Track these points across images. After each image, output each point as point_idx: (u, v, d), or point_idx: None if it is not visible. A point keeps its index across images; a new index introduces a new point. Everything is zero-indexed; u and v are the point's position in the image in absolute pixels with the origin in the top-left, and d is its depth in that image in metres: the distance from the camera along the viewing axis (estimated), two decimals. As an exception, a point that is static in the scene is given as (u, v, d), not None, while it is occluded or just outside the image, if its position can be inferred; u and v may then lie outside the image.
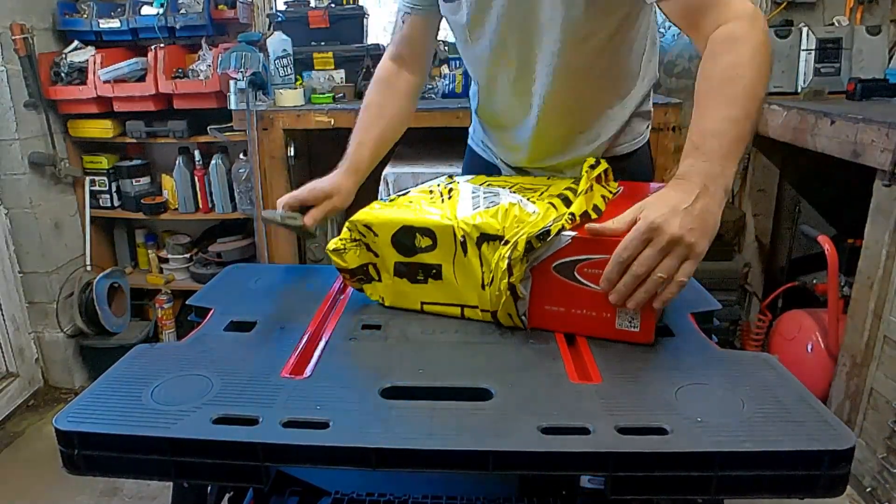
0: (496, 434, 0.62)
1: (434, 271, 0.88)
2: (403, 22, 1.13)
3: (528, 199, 0.88)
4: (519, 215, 0.83)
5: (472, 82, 1.21)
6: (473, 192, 0.94)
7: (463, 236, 0.83)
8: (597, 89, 1.06)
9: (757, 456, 0.58)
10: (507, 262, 0.78)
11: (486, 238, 0.82)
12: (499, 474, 0.60)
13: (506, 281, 0.79)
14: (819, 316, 2.10)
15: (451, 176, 1.08)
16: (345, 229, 0.90)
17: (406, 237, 0.87)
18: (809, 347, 2.07)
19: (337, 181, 1.10)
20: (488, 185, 0.99)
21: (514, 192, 0.93)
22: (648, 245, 0.72)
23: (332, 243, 0.91)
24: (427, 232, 0.86)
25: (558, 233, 0.77)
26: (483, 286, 0.84)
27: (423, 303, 0.90)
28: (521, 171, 1.20)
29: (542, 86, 1.03)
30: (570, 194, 0.89)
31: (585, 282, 0.77)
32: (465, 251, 0.84)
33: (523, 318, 0.83)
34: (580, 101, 1.06)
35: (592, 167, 0.94)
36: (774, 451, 0.58)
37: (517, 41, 1.00)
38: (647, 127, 1.17)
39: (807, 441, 0.59)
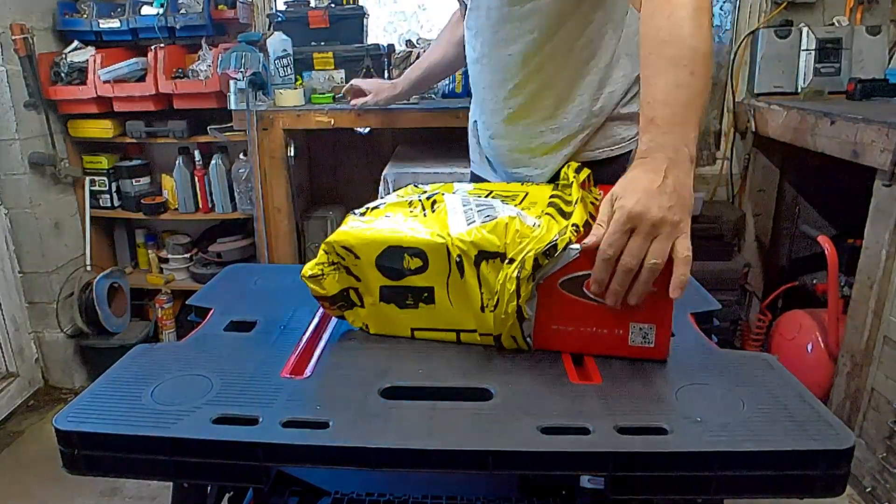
0: (496, 434, 0.62)
1: (426, 295, 0.80)
2: None
3: (525, 211, 0.81)
4: (521, 230, 0.76)
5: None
6: (465, 205, 0.85)
7: (459, 255, 0.76)
8: (555, 67, 1.01)
9: (757, 456, 0.58)
10: (515, 282, 0.72)
11: (486, 256, 0.75)
12: (499, 474, 0.60)
13: (514, 303, 0.74)
14: (819, 316, 2.10)
15: (416, 185, 1.01)
16: (321, 252, 0.82)
17: (393, 259, 0.78)
18: (809, 347, 2.07)
19: (381, 84, 1.35)
20: (474, 194, 0.91)
21: (507, 203, 0.85)
22: (632, 235, 0.69)
23: (308, 268, 0.82)
24: (417, 252, 0.78)
25: (566, 247, 0.71)
26: (483, 308, 0.78)
27: (413, 329, 0.83)
28: (493, 167, 1.19)
29: (498, 55, 1.03)
30: (560, 203, 0.84)
31: (595, 297, 0.73)
32: (461, 272, 0.77)
33: (528, 339, 0.78)
34: (538, 79, 1.01)
35: (577, 171, 0.90)
36: (774, 451, 0.58)
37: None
38: (636, 134, 1.04)
39: (806, 441, 0.59)
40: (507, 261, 0.74)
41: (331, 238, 0.81)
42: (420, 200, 0.89)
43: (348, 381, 0.73)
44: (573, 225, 0.74)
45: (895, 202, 1.63)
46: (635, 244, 0.68)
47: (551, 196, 0.87)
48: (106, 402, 0.68)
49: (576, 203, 0.80)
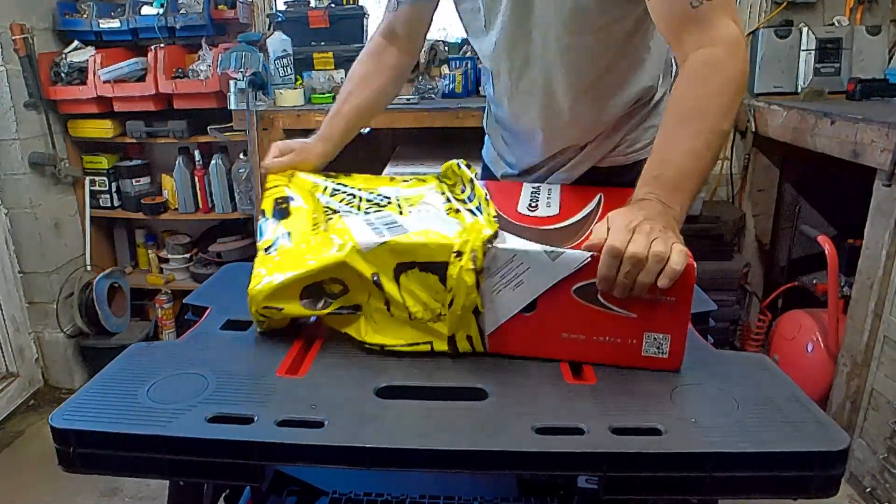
0: (490, 434, 0.62)
1: (359, 313, 0.79)
2: (399, 3, 1.13)
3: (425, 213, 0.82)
4: (437, 238, 0.75)
5: (489, 89, 1.17)
6: (367, 219, 0.83)
7: (375, 274, 0.75)
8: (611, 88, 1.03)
9: (751, 456, 0.58)
10: (473, 275, 0.71)
11: (405, 267, 0.75)
12: (494, 474, 0.60)
13: (474, 295, 0.72)
14: (819, 316, 2.10)
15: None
16: (254, 316, 0.81)
17: (315, 292, 0.78)
18: (809, 347, 2.07)
19: (307, 145, 1.07)
20: (371, 204, 0.90)
21: (403, 210, 0.86)
22: (634, 234, 0.69)
23: (259, 330, 0.83)
24: (333, 278, 0.77)
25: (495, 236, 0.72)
26: (410, 317, 0.77)
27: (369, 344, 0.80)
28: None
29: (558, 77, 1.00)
30: (458, 200, 0.87)
31: (611, 306, 0.71)
32: (381, 288, 0.76)
33: (485, 340, 0.75)
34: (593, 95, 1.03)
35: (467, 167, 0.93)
36: (768, 452, 0.58)
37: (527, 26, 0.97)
38: (642, 145, 1.11)
39: (800, 442, 0.59)
40: (455, 254, 0.73)
41: (253, 301, 0.79)
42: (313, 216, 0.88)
43: (344, 380, 0.73)
44: (496, 215, 0.77)
45: (895, 202, 1.62)
46: (640, 238, 0.69)
47: (445, 195, 0.91)
48: (102, 400, 0.68)
49: (474, 195, 0.82)
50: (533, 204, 0.91)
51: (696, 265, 0.67)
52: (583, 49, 0.96)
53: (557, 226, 0.82)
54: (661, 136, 0.80)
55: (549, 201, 0.92)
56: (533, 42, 0.98)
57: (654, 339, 0.71)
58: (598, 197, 0.93)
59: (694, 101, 0.79)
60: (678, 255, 0.67)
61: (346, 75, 2.32)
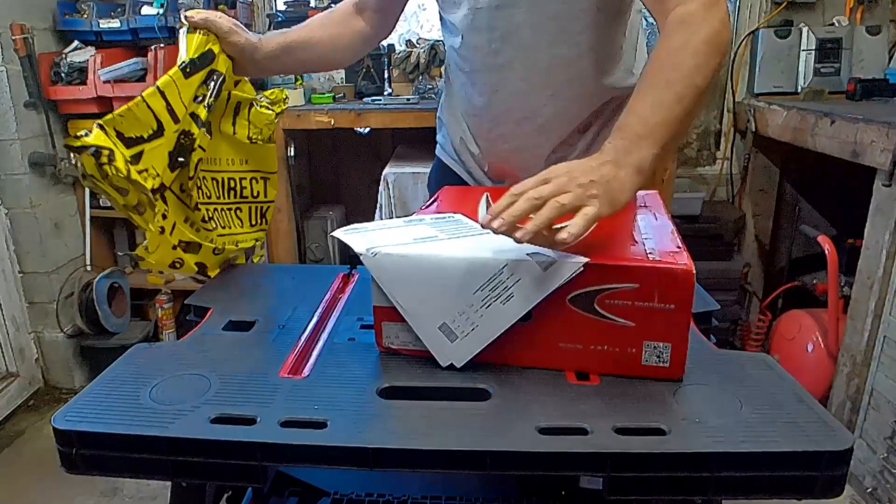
0: (494, 434, 0.62)
1: None
2: None
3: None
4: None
5: (454, 71, 1.14)
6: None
7: None
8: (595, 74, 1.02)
9: (754, 456, 0.58)
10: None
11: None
12: (497, 474, 0.60)
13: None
14: (819, 316, 2.10)
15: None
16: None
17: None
18: (810, 347, 2.07)
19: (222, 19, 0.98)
20: None
21: None
22: (555, 180, 0.67)
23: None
24: None
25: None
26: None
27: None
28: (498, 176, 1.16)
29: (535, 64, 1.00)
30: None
31: (608, 314, 0.69)
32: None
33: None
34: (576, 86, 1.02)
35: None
36: (772, 452, 0.58)
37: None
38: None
39: (804, 442, 0.59)
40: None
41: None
42: None
43: (346, 380, 0.73)
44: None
45: (895, 202, 1.62)
46: (546, 186, 0.66)
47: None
48: (104, 401, 0.68)
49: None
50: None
51: (694, 271, 0.66)
52: (567, 21, 0.95)
53: (556, 226, 0.82)
54: (634, 92, 0.78)
55: None
56: (517, 7, 0.96)
57: (654, 347, 0.70)
58: None
59: (665, 55, 0.78)
60: (579, 219, 0.64)
61: (345, 75, 2.35)
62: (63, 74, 2.33)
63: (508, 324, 0.71)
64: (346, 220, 2.70)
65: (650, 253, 0.70)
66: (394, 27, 1.18)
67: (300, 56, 1.06)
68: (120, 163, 0.83)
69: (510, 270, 0.69)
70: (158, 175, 0.90)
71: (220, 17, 0.95)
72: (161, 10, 2.32)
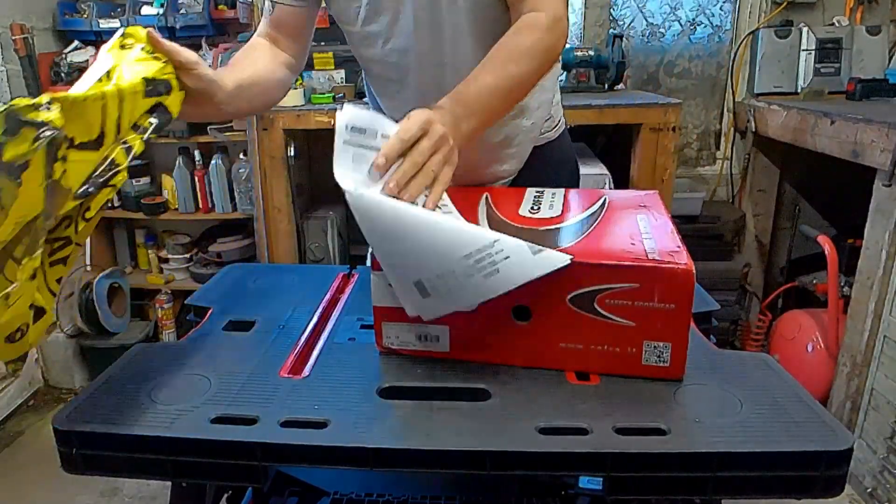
0: (494, 434, 0.62)
1: None
2: (273, 7, 1.07)
3: None
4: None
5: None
6: None
7: None
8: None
9: (755, 456, 0.58)
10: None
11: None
12: (497, 474, 0.60)
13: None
14: (819, 316, 2.10)
15: None
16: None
17: None
18: (809, 347, 2.07)
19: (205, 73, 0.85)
20: None
21: None
22: (424, 137, 0.72)
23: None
24: None
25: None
26: None
27: None
28: None
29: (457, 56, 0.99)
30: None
31: (608, 314, 0.69)
32: None
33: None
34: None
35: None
36: (772, 452, 0.58)
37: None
38: (562, 115, 1.19)
39: (804, 442, 0.59)
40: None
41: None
42: None
43: (346, 380, 0.73)
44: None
45: (895, 202, 1.63)
46: (425, 146, 0.72)
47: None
48: (104, 401, 0.68)
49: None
50: (535, 207, 0.90)
51: (694, 271, 0.66)
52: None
53: (556, 226, 0.82)
54: (479, 66, 0.85)
55: (552, 203, 0.92)
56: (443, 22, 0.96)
57: (654, 347, 0.70)
58: (602, 199, 0.93)
59: (514, 48, 0.86)
60: (440, 188, 0.73)
61: (345, 76, 2.35)
62: (63, 74, 2.33)
63: (483, 298, 0.69)
64: (346, 221, 2.70)
65: (650, 253, 0.70)
66: (307, 53, 1.16)
67: (250, 93, 0.97)
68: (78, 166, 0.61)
69: (501, 246, 0.67)
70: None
71: (185, 49, 0.83)
72: (161, 10, 2.32)
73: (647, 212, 0.88)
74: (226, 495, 0.92)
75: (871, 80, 2.26)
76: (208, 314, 0.93)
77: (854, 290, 1.80)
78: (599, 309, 0.69)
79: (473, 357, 0.76)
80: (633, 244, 0.73)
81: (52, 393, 2.52)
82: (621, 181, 2.06)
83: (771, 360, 0.75)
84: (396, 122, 0.77)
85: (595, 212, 0.87)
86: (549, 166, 1.16)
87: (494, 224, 0.82)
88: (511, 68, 0.85)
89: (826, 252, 1.98)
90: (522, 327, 0.72)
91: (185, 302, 0.98)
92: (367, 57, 1.09)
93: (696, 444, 0.60)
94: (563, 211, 0.88)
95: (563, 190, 1.00)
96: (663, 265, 0.67)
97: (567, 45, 1.39)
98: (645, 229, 0.79)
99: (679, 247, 0.72)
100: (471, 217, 0.86)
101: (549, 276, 0.68)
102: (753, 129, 2.41)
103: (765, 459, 0.58)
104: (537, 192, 0.99)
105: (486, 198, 0.94)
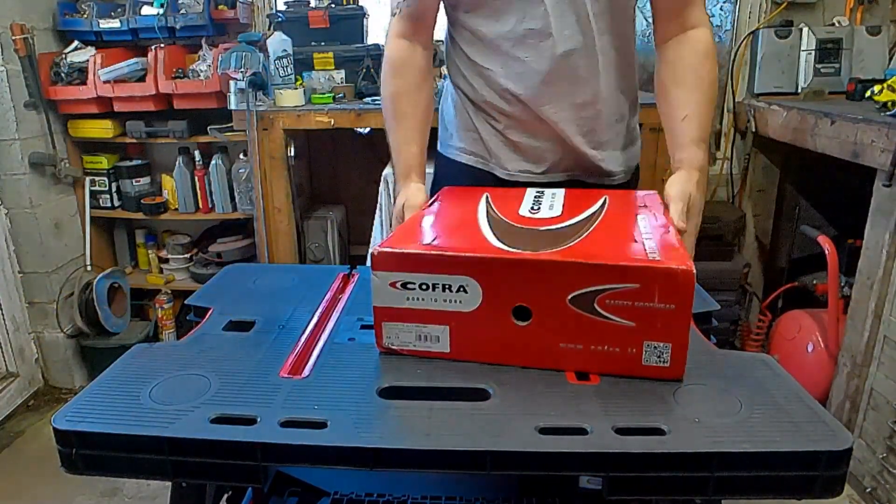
0: (494, 434, 0.62)
1: None
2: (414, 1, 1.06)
3: None
4: None
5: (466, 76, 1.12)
6: None
7: None
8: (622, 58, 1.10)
9: (754, 456, 0.58)
10: None
11: None
12: (497, 474, 0.60)
13: None
14: (819, 316, 2.10)
15: None
16: None
17: None
18: (810, 348, 2.07)
19: (419, 194, 1.03)
20: None
21: None
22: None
23: None
24: None
25: None
26: None
27: None
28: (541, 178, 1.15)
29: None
30: None
31: (608, 314, 0.69)
32: None
33: None
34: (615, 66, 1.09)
35: None
36: (772, 452, 0.58)
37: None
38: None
39: (804, 441, 0.59)
40: None
41: None
42: None
43: (346, 380, 0.73)
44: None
45: (895, 202, 1.62)
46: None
47: None
48: (104, 401, 0.68)
49: None
50: (535, 207, 0.90)
51: (694, 271, 0.66)
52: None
53: (556, 227, 0.81)
54: (697, 100, 0.99)
55: (552, 203, 0.92)
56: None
57: (654, 347, 0.70)
58: (602, 199, 0.93)
59: (710, 74, 0.99)
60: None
61: (345, 75, 2.34)
62: (63, 74, 2.33)
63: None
64: (346, 220, 2.70)
65: (650, 253, 0.70)
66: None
67: (427, 138, 1.10)
68: None
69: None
70: None
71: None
72: (161, 10, 2.32)
73: (647, 212, 0.88)
74: (226, 495, 0.92)
75: (871, 80, 2.25)
76: (208, 314, 0.93)
77: (854, 290, 1.80)
78: (599, 309, 0.69)
79: (473, 357, 0.76)
80: (633, 244, 0.73)
81: (52, 393, 2.53)
82: (621, 181, 2.06)
83: (771, 360, 0.75)
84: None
85: (595, 212, 0.87)
86: None
87: (494, 224, 0.82)
88: (712, 95, 1.00)
89: (826, 252, 1.98)
90: (522, 328, 0.72)
91: (185, 302, 0.98)
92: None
93: (696, 444, 0.59)
94: (563, 211, 0.87)
95: (563, 190, 1.00)
96: (664, 266, 0.67)
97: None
98: (645, 229, 0.79)
99: (679, 247, 0.72)
100: (470, 216, 0.86)
101: (550, 276, 0.69)
102: (753, 130, 2.41)
103: (764, 459, 0.58)
104: (538, 192, 0.99)
105: (487, 197, 0.94)
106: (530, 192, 0.99)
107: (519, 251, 0.71)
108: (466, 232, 0.80)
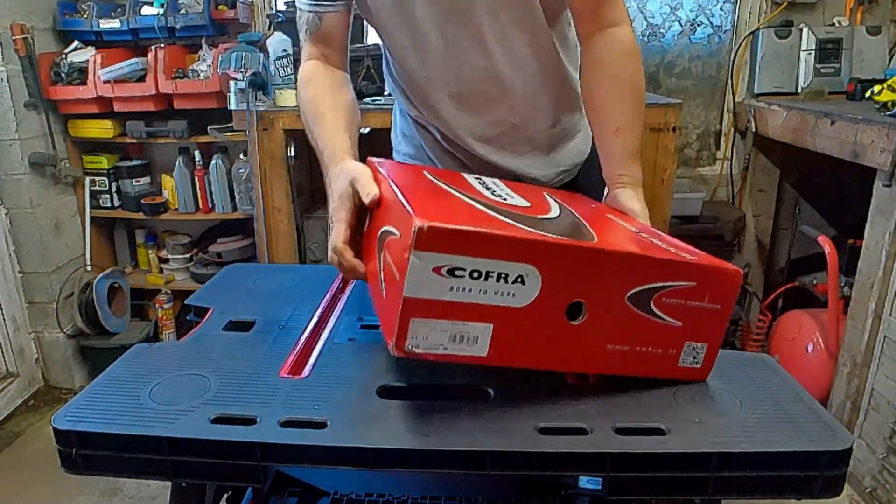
0: (494, 434, 0.62)
1: None
2: (320, 20, 1.04)
3: None
4: None
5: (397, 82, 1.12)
6: None
7: None
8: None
9: (754, 456, 0.58)
10: None
11: None
12: (497, 474, 0.60)
13: None
14: (819, 316, 2.10)
15: None
16: None
17: None
18: (810, 348, 2.07)
19: (366, 169, 0.84)
20: None
21: None
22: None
23: None
24: None
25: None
26: None
27: None
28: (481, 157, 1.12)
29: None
30: None
31: (661, 314, 0.66)
32: None
33: None
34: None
35: None
36: (772, 452, 0.58)
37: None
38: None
39: (804, 442, 0.59)
40: None
41: None
42: None
43: (346, 380, 0.73)
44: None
45: (895, 202, 1.62)
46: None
47: None
48: (104, 401, 0.68)
49: None
50: (495, 193, 0.80)
51: (741, 272, 0.67)
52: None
53: (549, 216, 0.75)
54: (624, 112, 0.93)
55: (506, 191, 0.83)
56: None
57: (693, 348, 0.68)
58: (545, 193, 0.88)
59: (635, 81, 0.94)
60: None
61: (346, 75, 2.34)
62: (63, 74, 2.33)
63: None
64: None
65: (677, 251, 0.68)
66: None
67: (357, 137, 1.01)
68: None
69: None
70: None
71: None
72: (161, 11, 2.32)
73: (610, 213, 0.85)
74: (226, 495, 0.92)
75: (871, 81, 2.26)
76: (208, 314, 0.93)
77: (854, 290, 1.80)
78: (655, 308, 0.65)
79: (511, 362, 0.65)
80: (652, 242, 0.71)
81: (52, 393, 2.52)
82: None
83: (771, 360, 0.75)
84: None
85: (562, 206, 0.82)
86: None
87: (482, 203, 0.72)
88: (639, 105, 0.94)
89: (826, 252, 1.98)
90: (574, 327, 0.64)
91: (185, 302, 0.98)
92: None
93: (696, 445, 0.60)
94: (528, 202, 0.79)
95: (499, 179, 0.92)
96: (718, 265, 0.66)
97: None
98: (634, 228, 0.78)
99: (692, 248, 0.71)
100: (453, 197, 0.75)
101: (616, 269, 0.64)
102: (753, 130, 2.41)
103: (764, 459, 0.58)
104: (476, 177, 0.90)
105: (437, 178, 0.84)
106: (470, 178, 0.88)
107: (570, 240, 0.63)
108: (475, 211, 0.68)
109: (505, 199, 0.77)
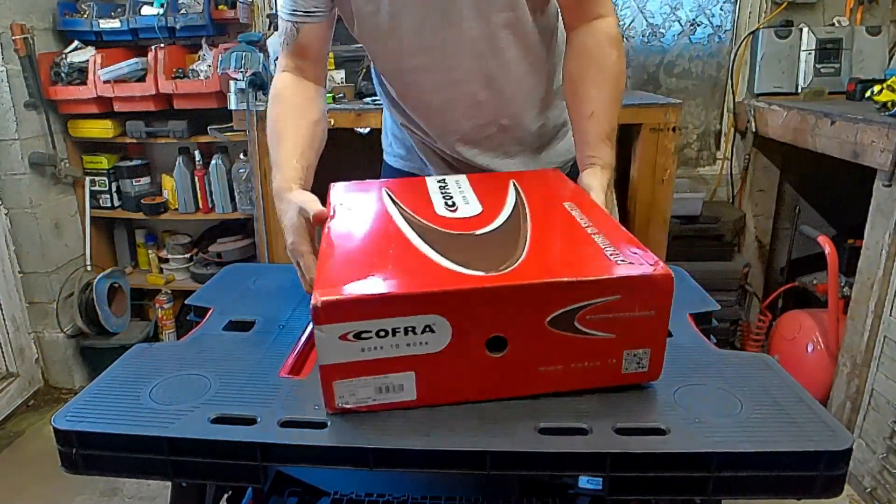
0: (494, 434, 0.62)
1: None
2: (297, 31, 1.03)
3: None
4: None
5: (384, 86, 1.12)
6: None
7: None
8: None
9: (754, 456, 0.58)
10: None
11: None
12: (497, 474, 0.60)
13: None
14: (819, 316, 2.10)
15: None
16: None
17: None
18: (810, 348, 2.07)
19: (313, 200, 0.91)
20: None
21: None
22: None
23: None
24: None
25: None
26: None
27: None
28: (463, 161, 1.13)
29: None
30: None
31: (588, 330, 0.64)
32: None
33: None
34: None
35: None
36: (772, 452, 0.58)
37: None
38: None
39: (804, 442, 0.59)
40: None
41: None
42: None
43: (346, 381, 0.73)
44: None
45: (895, 202, 1.63)
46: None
47: None
48: (104, 401, 0.68)
49: None
50: (450, 202, 0.82)
51: (672, 274, 0.63)
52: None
53: (488, 229, 0.75)
54: (601, 95, 0.94)
55: (464, 196, 0.84)
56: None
57: (634, 355, 0.67)
58: (511, 185, 0.87)
59: (615, 69, 0.95)
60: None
61: (345, 76, 2.34)
62: (63, 74, 2.33)
63: None
64: (346, 220, 2.70)
65: (613, 256, 0.66)
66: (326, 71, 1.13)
67: (315, 161, 1.01)
68: None
69: None
70: None
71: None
72: (161, 11, 2.32)
73: (570, 201, 0.83)
74: (226, 495, 0.92)
75: (871, 81, 2.26)
76: (208, 314, 0.93)
77: (854, 290, 1.80)
78: (580, 326, 0.64)
79: (444, 400, 0.67)
80: (591, 247, 0.69)
81: (52, 393, 2.53)
82: (621, 181, 2.06)
83: (771, 360, 0.75)
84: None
85: (516, 203, 0.81)
86: None
87: (422, 232, 0.74)
88: (616, 94, 0.95)
89: (826, 252, 1.98)
90: (498, 359, 0.65)
91: (185, 302, 0.98)
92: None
93: (696, 444, 0.59)
94: (482, 206, 0.81)
95: (464, 176, 0.93)
96: (645, 274, 0.63)
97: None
98: (585, 224, 0.75)
99: (635, 241, 0.69)
100: (388, 223, 0.78)
101: (529, 300, 0.63)
102: (753, 130, 2.41)
103: (764, 459, 0.58)
104: (440, 181, 0.91)
105: (388, 194, 0.85)
106: (432, 184, 0.89)
107: (482, 274, 0.63)
108: (401, 249, 0.70)
109: (455, 209, 0.80)
